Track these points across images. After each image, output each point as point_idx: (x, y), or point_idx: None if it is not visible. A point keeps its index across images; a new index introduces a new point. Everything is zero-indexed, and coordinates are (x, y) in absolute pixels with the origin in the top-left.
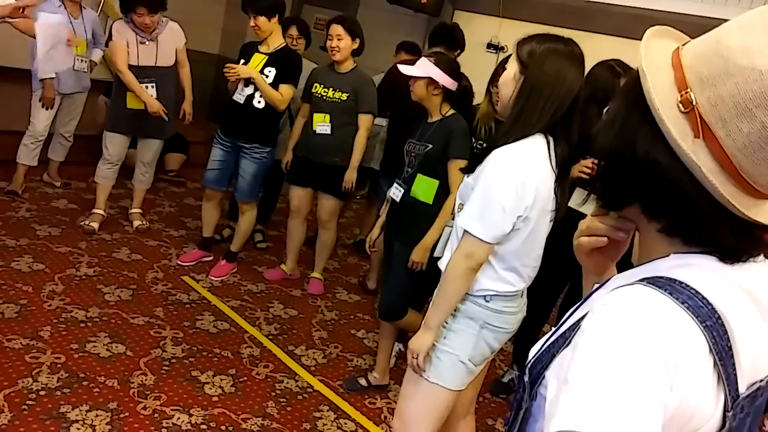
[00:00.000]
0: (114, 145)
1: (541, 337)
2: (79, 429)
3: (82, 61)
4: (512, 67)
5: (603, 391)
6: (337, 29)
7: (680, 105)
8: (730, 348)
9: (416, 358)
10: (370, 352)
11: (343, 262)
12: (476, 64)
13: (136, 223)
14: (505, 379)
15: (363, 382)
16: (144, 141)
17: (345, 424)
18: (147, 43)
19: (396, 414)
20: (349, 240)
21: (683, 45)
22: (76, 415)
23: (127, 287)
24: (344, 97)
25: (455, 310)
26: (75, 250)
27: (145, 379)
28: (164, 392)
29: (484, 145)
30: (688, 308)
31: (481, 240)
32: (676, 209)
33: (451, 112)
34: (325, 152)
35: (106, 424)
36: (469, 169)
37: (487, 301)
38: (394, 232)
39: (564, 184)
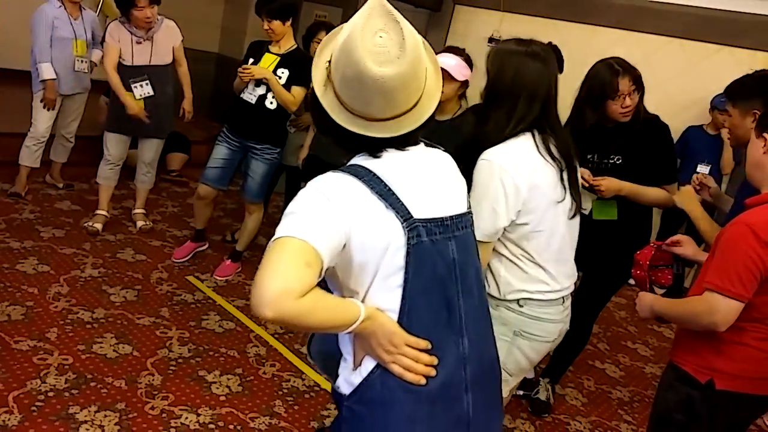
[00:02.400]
0: (114, 145)
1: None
2: (88, 429)
3: (82, 61)
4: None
5: (296, 213)
6: None
7: (327, 65)
8: (388, 189)
9: None
10: None
11: None
12: (478, 59)
13: (140, 223)
14: (543, 396)
15: None
16: (144, 141)
17: None
18: (142, 42)
19: None
20: None
21: None
22: (85, 416)
23: (132, 288)
24: None
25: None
26: (79, 251)
27: (153, 380)
28: (172, 392)
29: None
30: (350, 174)
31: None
32: (329, 133)
33: (460, 111)
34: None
35: (115, 424)
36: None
37: (520, 306)
38: None
39: (573, 177)
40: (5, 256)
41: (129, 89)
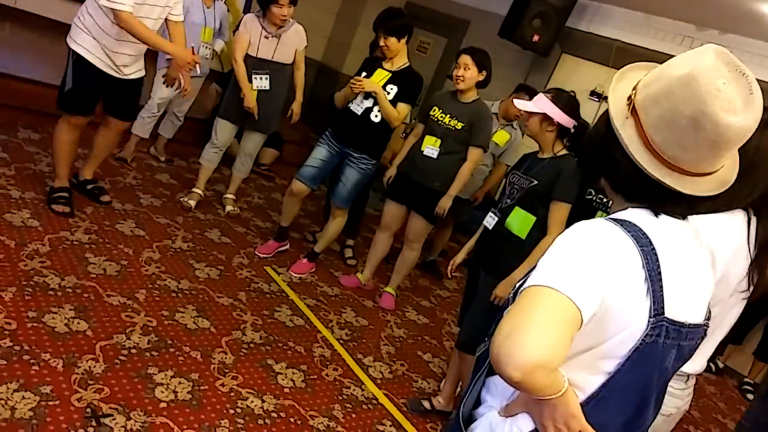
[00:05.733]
0: (223, 131)
1: None
2: (162, 392)
3: (206, 48)
4: None
5: (572, 263)
6: (465, 59)
7: (627, 99)
8: (660, 272)
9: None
10: (434, 377)
11: (414, 282)
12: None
13: (228, 208)
14: None
15: (426, 405)
16: (249, 132)
17: None
18: (270, 37)
19: None
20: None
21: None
22: (161, 379)
23: (216, 267)
24: (459, 126)
25: None
26: (172, 222)
27: (225, 358)
28: (241, 374)
29: (605, 199)
30: (630, 235)
31: None
32: (613, 174)
33: (564, 152)
34: (426, 174)
35: (188, 392)
36: None
37: None
38: (481, 261)
39: (763, 264)
40: (108, 214)
41: (249, 79)
